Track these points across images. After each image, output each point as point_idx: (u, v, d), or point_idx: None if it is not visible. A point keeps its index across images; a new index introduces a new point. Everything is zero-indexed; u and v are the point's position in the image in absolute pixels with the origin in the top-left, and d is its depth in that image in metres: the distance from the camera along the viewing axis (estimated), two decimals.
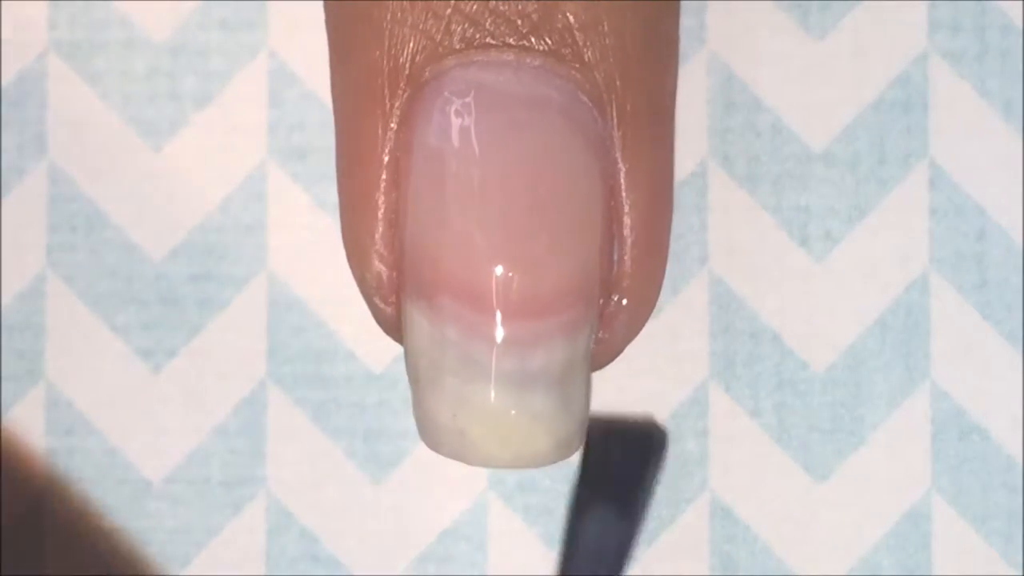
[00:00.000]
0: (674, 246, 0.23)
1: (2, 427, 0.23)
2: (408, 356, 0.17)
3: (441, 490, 0.23)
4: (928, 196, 0.23)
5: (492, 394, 0.17)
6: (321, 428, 0.23)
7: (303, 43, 0.23)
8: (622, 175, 0.17)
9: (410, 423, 0.23)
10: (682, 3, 0.22)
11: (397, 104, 0.17)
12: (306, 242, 0.23)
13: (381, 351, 0.23)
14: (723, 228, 0.23)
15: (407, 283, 0.17)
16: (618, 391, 0.23)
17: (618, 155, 0.17)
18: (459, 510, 0.23)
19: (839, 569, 0.22)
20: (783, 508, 0.23)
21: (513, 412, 0.17)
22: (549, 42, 0.17)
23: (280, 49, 0.23)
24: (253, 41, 0.23)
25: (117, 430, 0.23)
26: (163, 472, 0.23)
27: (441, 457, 0.22)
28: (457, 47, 0.17)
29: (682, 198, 0.23)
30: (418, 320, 0.17)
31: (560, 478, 0.23)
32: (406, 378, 0.22)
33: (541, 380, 0.17)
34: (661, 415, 0.23)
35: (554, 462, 0.17)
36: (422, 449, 0.23)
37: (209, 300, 0.23)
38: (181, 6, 0.23)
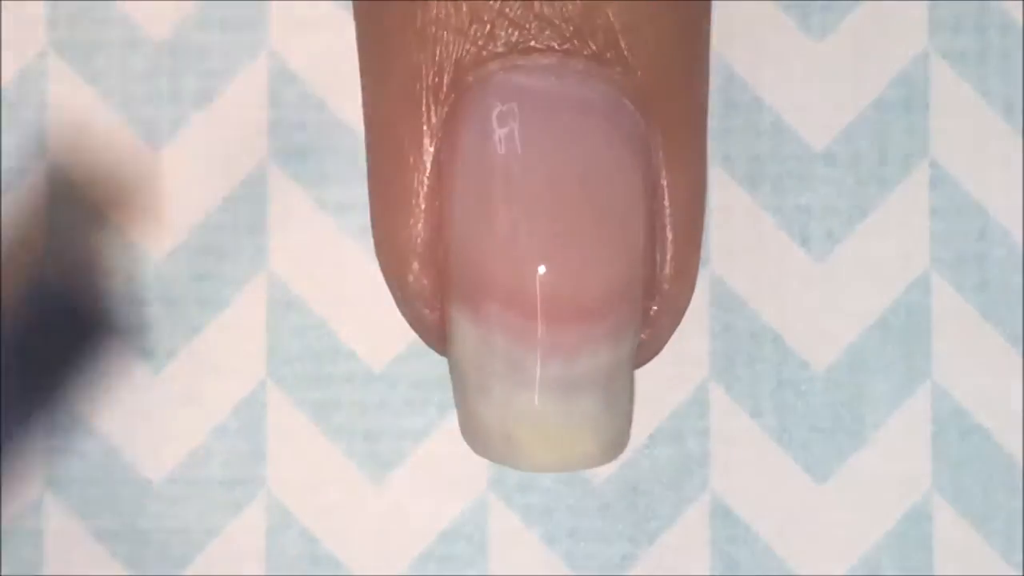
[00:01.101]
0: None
1: (2, 427, 0.23)
2: (454, 363, 0.17)
3: (441, 490, 0.23)
4: (929, 196, 0.23)
5: (539, 399, 0.17)
6: (321, 428, 0.23)
7: (304, 43, 0.23)
8: (664, 177, 0.17)
9: (411, 423, 0.23)
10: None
11: (440, 109, 0.17)
12: (306, 242, 0.23)
13: (381, 351, 0.23)
14: (724, 228, 0.23)
15: (453, 289, 0.17)
16: None
17: (660, 157, 0.17)
18: (459, 510, 0.23)
19: (840, 569, 0.22)
20: (784, 508, 0.23)
21: (560, 417, 0.17)
22: (592, 46, 0.17)
23: (281, 49, 0.23)
24: (254, 41, 0.23)
25: (117, 430, 0.23)
26: (163, 472, 0.23)
27: (441, 457, 0.23)
28: (500, 51, 0.17)
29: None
30: (465, 326, 0.17)
31: (560, 478, 0.23)
32: (406, 378, 0.23)
33: (587, 384, 0.17)
34: (662, 415, 0.23)
35: (602, 464, 0.18)
36: (422, 449, 0.23)
37: (209, 300, 0.23)
38: (181, 5, 0.23)
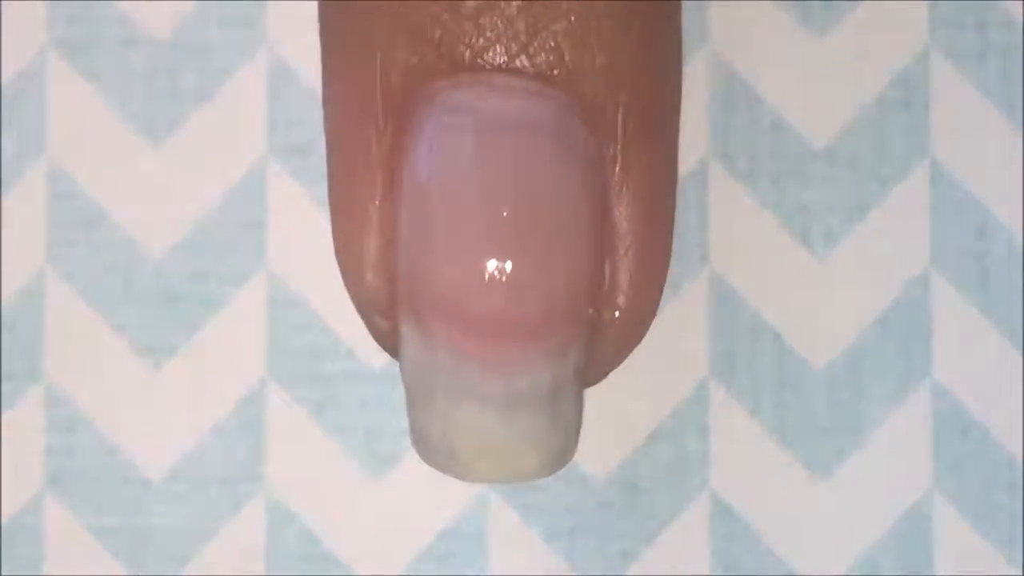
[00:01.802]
0: (674, 244, 0.23)
1: (2, 426, 0.23)
2: (402, 372, 0.17)
3: (441, 488, 0.23)
4: (929, 194, 0.23)
5: (479, 414, 0.17)
6: (320, 426, 0.23)
7: (303, 40, 0.23)
8: (615, 192, 0.17)
9: None
10: (683, 3, 0.23)
11: (390, 122, 0.17)
12: (306, 240, 0.23)
13: (381, 349, 0.23)
14: (724, 226, 0.23)
15: (400, 300, 0.17)
16: (618, 389, 0.23)
17: (614, 173, 0.17)
18: (459, 508, 0.23)
19: (839, 568, 0.22)
20: (784, 506, 0.23)
21: (501, 432, 0.17)
22: (539, 63, 0.17)
23: (279, 46, 0.23)
24: (253, 38, 0.23)
25: (117, 428, 0.23)
26: (163, 471, 0.23)
27: None
28: (447, 68, 0.17)
29: (683, 196, 0.23)
30: (410, 337, 0.17)
31: (560, 477, 0.23)
32: None
33: (529, 400, 0.17)
34: (662, 413, 0.23)
35: (545, 476, 0.18)
36: None
37: (209, 298, 0.23)
38: (181, 4, 0.23)
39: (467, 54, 0.17)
